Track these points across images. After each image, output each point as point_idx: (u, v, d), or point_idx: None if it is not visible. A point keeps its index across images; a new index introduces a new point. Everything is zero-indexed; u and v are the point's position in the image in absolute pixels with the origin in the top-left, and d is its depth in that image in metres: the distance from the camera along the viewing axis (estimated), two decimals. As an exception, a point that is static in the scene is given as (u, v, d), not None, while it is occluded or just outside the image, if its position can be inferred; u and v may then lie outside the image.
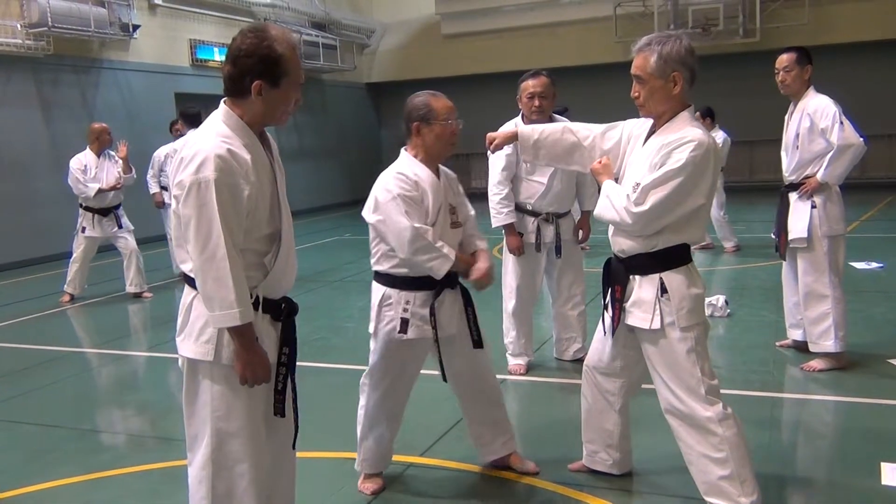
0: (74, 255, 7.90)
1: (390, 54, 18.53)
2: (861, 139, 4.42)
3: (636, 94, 2.86)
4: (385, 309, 3.09)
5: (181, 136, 8.34)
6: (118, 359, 5.85)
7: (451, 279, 3.09)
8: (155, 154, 8.92)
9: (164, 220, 8.93)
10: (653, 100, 2.82)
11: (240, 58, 2.22)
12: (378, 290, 3.14)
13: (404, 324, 3.05)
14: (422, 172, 3.06)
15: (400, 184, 3.00)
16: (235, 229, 2.19)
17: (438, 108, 3.06)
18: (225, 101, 2.30)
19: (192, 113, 8.19)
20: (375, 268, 3.14)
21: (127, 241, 7.88)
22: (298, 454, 2.63)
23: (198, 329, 2.29)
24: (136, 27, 12.11)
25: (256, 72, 2.21)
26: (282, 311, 2.39)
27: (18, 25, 10.51)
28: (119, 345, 6.29)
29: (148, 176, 8.94)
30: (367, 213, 3.07)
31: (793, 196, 4.62)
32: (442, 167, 3.20)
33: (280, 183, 2.36)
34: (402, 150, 3.17)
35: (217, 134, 2.22)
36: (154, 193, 8.91)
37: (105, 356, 5.95)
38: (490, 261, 3.16)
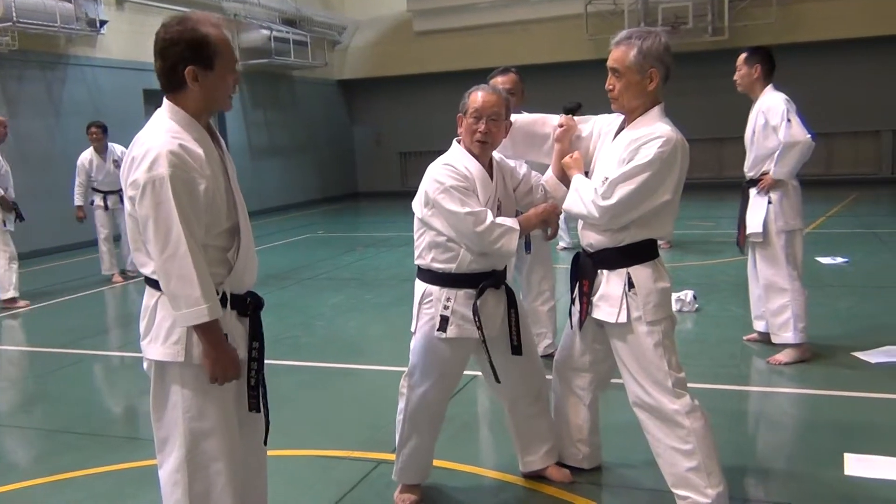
0: None
1: (362, 51, 18.45)
2: (808, 136, 4.50)
3: (611, 86, 2.86)
4: (425, 306, 2.94)
5: None
6: (81, 359, 5.75)
7: (496, 278, 2.95)
8: (80, 160, 8.45)
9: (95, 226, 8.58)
10: (627, 94, 2.83)
11: (167, 49, 2.18)
12: (419, 286, 2.98)
13: (444, 321, 2.89)
14: (471, 165, 2.90)
15: (450, 173, 2.85)
16: (195, 225, 2.15)
17: (469, 101, 2.93)
18: (167, 97, 2.26)
19: None
20: (417, 262, 2.98)
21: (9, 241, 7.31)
22: (270, 452, 2.60)
23: (165, 330, 2.24)
24: (103, 22, 11.92)
25: (187, 58, 2.17)
26: (248, 306, 2.36)
27: (-19, 20, 10.30)
28: (82, 344, 6.18)
29: (75, 184, 8.43)
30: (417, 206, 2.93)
31: (752, 191, 4.72)
32: (499, 160, 3.04)
33: (232, 176, 2.33)
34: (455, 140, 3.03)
35: (166, 130, 2.18)
36: (78, 206, 8.38)
37: (67, 356, 5.84)
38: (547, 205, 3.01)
